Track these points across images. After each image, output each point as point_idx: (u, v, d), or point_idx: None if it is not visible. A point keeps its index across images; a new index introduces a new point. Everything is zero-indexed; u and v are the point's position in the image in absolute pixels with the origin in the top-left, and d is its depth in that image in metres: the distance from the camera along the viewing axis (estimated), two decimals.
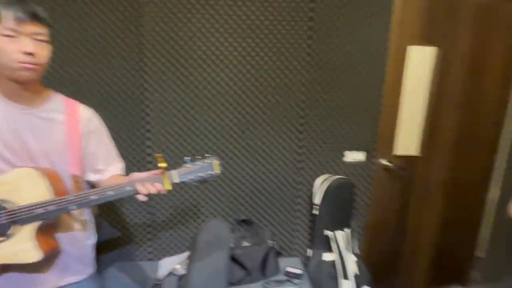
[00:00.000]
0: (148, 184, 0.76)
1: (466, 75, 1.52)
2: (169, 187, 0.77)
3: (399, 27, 1.43)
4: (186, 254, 1.44)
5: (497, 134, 1.62)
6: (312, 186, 1.54)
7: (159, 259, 1.48)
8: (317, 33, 1.37)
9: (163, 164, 0.75)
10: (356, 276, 1.42)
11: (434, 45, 1.48)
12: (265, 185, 1.51)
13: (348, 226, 1.52)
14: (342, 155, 1.53)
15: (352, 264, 1.46)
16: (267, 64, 1.38)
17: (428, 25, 1.45)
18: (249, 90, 1.40)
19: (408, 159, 1.60)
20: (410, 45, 1.47)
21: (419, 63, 1.51)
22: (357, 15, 1.38)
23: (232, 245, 1.36)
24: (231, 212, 1.52)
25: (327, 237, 1.48)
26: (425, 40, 1.47)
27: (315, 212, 1.49)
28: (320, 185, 1.48)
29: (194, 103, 1.38)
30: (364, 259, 1.59)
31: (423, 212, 1.66)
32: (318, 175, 1.54)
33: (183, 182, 0.79)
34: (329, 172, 1.54)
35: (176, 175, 0.78)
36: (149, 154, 1.40)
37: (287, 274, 1.40)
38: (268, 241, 1.45)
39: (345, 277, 1.41)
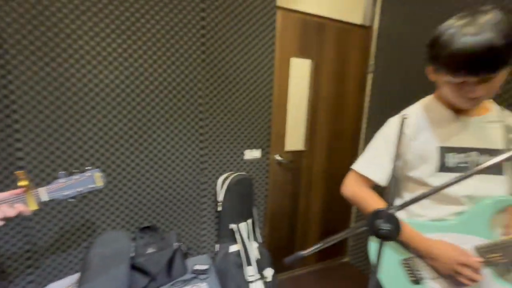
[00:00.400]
0: (4, 206, 0.67)
1: (332, 82, 1.91)
2: (35, 207, 0.70)
3: (282, 42, 1.67)
4: (78, 274, 1.30)
5: (357, 129, 2.10)
6: (216, 185, 1.63)
7: (44, 286, 1.29)
8: (210, 40, 1.47)
9: (24, 183, 0.68)
10: (258, 261, 1.60)
11: (309, 58, 1.80)
12: (169, 189, 1.52)
13: (250, 217, 1.68)
14: (242, 154, 1.68)
15: (254, 251, 1.62)
16: (161, 68, 1.38)
17: (303, 42, 1.75)
18: (144, 94, 1.37)
19: (296, 154, 1.89)
20: (292, 57, 1.74)
21: (300, 72, 1.81)
22: (245, 29, 1.54)
23: (133, 254, 1.31)
24: (132, 221, 1.46)
25: (232, 230, 1.60)
26: (302, 53, 1.77)
27: (220, 208, 1.59)
28: (222, 183, 1.59)
29: (79, 107, 1.26)
30: (266, 244, 1.79)
31: (310, 197, 1.99)
32: (221, 174, 1.64)
33: (56, 199, 0.74)
34: (231, 170, 1.67)
35: (44, 193, 0.72)
36: (21, 167, 1.20)
37: (194, 271, 1.45)
38: (174, 243, 1.46)
39: (249, 263, 1.57)
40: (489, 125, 0.78)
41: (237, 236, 1.59)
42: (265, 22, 1.58)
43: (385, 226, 0.53)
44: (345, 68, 1.95)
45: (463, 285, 0.73)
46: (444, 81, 0.69)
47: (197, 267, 1.47)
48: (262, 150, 1.73)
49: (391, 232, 0.53)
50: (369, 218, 0.56)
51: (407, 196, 0.89)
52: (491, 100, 0.83)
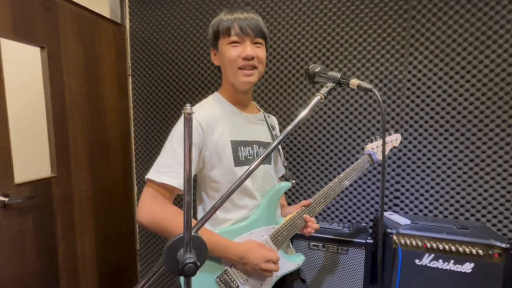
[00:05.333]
0: None
1: (85, 82, 1.49)
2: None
3: None
4: None
5: (127, 138, 1.84)
6: None
7: None
8: None
9: None
10: None
11: (37, 45, 1.26)
12: None
13: None
14: None
15: None
16: None
17: (21, 18, 1.18)
18: None
19: (40, 184, 1.28)
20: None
21: (25, 65, 1.22)
22: None
23: None
24: None
25: None
26: (22, 36, 1.19)
27: None
28: None
29: None
30: None
31: (75, 236, 1.46)
32: None
33: None
34: None
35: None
36: None
37: None
38: None
39: None
40: (260, 122, 0.94)
41: None
42: None
43: (189, 258, 0.39)
44: (98, 67, 1.59)
45: (266, 277, 0.79)
46: (226, 45, 0.78)
47: None
48: None
49: (199, 259, 0.41)
50: (166, 254, 0.40)
51: (207, 201, 0.84)
52: (256, 104, 1.00)
